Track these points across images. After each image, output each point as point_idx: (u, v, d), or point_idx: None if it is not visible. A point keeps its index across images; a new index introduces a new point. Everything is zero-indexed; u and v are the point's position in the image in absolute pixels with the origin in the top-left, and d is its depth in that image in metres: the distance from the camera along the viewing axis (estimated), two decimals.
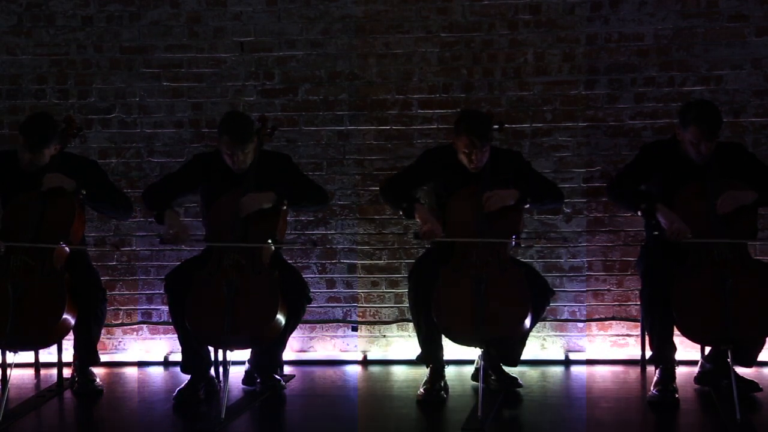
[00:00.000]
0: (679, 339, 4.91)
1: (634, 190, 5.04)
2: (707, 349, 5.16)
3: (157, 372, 5.86)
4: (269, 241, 4.94)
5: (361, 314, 6.09)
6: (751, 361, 4.93)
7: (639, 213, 4.99)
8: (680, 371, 5.02)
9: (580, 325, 5.97)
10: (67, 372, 5.42)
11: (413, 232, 5.04)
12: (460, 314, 4.78)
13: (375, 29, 6.10)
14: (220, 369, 5.23)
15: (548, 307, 5.24)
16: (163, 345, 6.07)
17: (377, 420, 4.78)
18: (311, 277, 5.99)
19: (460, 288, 4.81)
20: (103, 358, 5.54)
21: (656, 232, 4.92)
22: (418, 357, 5.15)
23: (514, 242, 4.95)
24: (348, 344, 6.07)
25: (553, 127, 6.03)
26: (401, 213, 5.08)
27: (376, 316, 6.10)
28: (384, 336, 6.08)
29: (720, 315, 4.62)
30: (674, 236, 4.80)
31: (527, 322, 4.83)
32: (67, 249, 4.99)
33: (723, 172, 4.92)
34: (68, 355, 5.42)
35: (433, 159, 5.20)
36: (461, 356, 5.50)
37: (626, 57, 5.98)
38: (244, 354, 5.23)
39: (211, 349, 5.17)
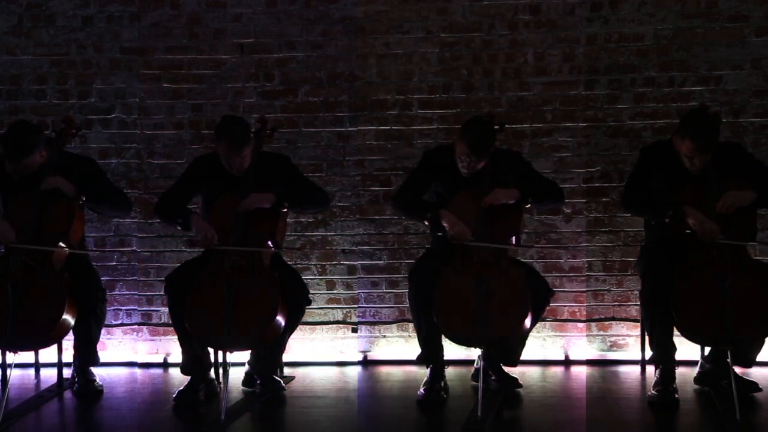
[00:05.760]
0: (679, 339, 4.90)
1: (654, 197, 4.94)
2: (707, 349, 5.16)
3: (157, 373, 5.85)
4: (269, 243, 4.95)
5: (361, 314, 6.09)
6: (751, 361, 4.92)
7: (666, 220, 4.85)
8: (680, 371, 5.02)
9: (580, 325, 5.97)
10: (67, 372, 5.42)
11: (440, 234, 4.98)
12: (461, 314, 4.77)
13: (375, 30, 6.09)
14: (220, 370, 5.21)
15: (548, 307, 5.23)
16: (163, 346, 6.07)
17: (377, 420, 4.78)
18: (311, 279, 5.99)
19: (461, 288, 4.80)
20: (103, 358, 5.54)
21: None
22: (418, 357, 5.15)
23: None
24: (348, 345, 6.07)
25: (553, 127, 6.03)
26: (426, 223, 5.06)
27: (376, 317, 6.09)
28: (384, 336, 6.07)
29: (720, 315, 4.61)
30: (706, 237, 4.75)
31: (527, 322, 4.82)
32: (66, 249, 4.99)
33: (722, 173, 4.91)
34: (68, 355, 5.41)
35: (434, 159, 5.19)
36: (461, 356, 5.50)
37: (626, 57, 5.98)
38: (244, 355, 5.23)
39: (211, 350, 5.16)
